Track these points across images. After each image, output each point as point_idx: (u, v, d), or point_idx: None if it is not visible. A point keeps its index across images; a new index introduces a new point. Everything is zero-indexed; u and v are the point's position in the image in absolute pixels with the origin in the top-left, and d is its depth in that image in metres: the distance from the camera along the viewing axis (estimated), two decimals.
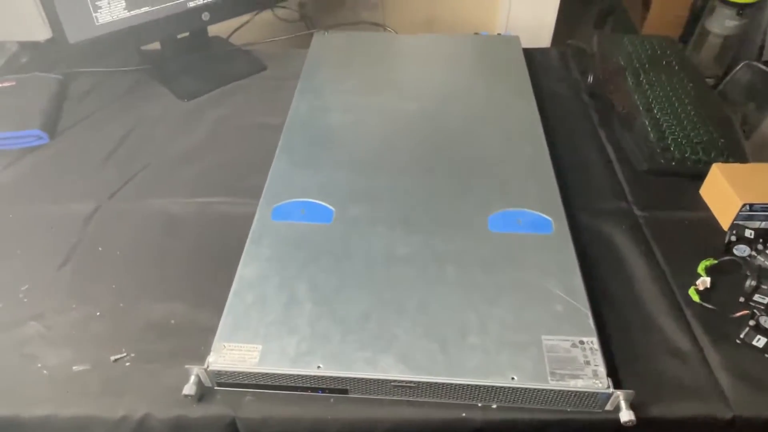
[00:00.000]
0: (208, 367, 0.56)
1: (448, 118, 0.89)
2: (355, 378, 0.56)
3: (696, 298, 0.66)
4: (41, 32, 1.02)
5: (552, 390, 0.54)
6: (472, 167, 0.80)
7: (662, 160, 0.82)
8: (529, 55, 1.06)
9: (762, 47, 1.30)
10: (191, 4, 0.98)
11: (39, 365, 0.60)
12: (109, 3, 0.88)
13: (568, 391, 0.54)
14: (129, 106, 0.98)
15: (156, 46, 1.06)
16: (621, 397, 0.54)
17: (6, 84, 0.96)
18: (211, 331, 0.59)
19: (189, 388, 0.56)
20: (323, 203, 0.73)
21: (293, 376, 0.56)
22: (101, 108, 0.97)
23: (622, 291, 0.67)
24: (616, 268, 0.70)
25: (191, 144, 0.90)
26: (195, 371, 0.56)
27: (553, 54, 1.12)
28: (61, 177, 0.84)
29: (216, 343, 0.58)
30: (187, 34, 1.06)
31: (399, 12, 1.42)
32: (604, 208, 0.78)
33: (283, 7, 1.35)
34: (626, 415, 0.53)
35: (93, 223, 0.77)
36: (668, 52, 1.05)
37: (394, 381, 0.55)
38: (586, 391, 0.54)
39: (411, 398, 0.57)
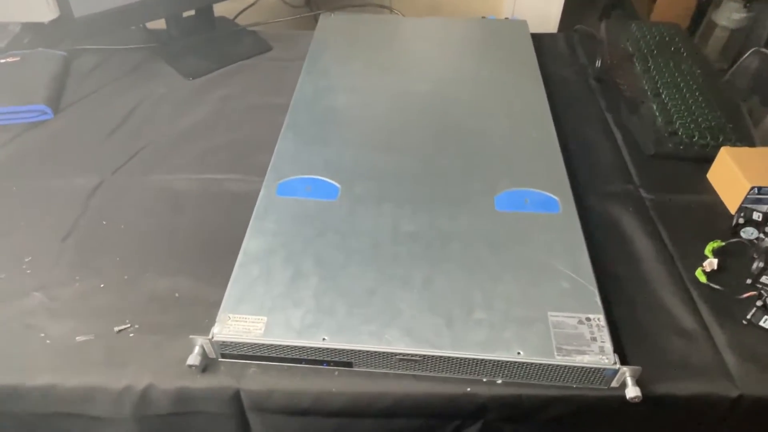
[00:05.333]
0: (212, 337, 0.56)
1: (455, 99, 0.89)
2: (360, 350, 0.55)
3: (703, 279, 0.65)
4: (46, 13, 1.02)
5: (558, 365, 0.54)
6: (480, 147, 0.79)
7: (670, 145, 0.82)
8: (537, 39, 1.05)
9: None
10: None
11: (42, 335, 0.60)
12: None
13: (575, 367, 0.54)
14: (134, 83, 0.98)
15: (161, 24, 1.05)
16: (627, 374, 0.54)
17: (10, 59, 0.96)
18: (216, 305, 0.59)
19: (193, 359, 0.55)
20: (329, 180, 0.73)
21: (298, 348, 0.56)
22: (106, 85, 0.97)
23: (628, 271, 0.67)
24: (623, 249, 0.70)
25: (196, 122, 0.89)
26: (199, 342, 0.56)
27: (560, 39, 1.11)
28: (64, 152, 0.83)
29: (221, 314, 0.58)
30: (192, 12, 1.05)
31: None
32: (611, 190, 0.78)
33: None
34: (632, 391, 0.53)
35: (96, 197, 0.76)
36: (676, 39, 1.04)
37: (399, 354, 0.55)
38: (592, 367, 0.54)
39: (416, 372, 0.57)
